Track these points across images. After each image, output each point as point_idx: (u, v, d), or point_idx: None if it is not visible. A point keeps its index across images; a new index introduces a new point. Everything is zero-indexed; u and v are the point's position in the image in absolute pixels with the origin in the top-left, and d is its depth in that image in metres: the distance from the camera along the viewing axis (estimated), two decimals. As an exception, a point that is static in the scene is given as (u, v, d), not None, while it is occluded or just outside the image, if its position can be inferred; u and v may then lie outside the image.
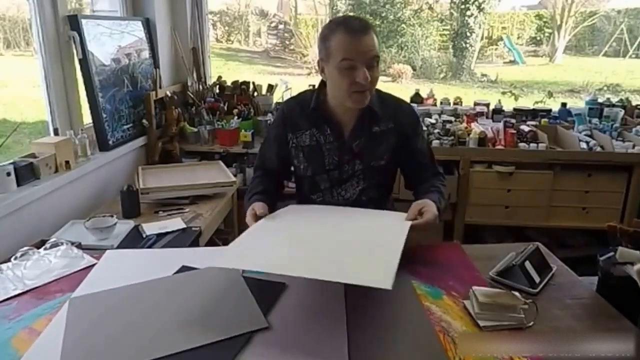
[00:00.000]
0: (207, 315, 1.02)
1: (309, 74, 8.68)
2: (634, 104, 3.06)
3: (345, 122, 1.40)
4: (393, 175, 1.54)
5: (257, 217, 1.25)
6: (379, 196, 1.51)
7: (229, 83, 3.12)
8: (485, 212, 2.63)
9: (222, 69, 7.90)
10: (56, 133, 2.07)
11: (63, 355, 0.90)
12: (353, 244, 1.12)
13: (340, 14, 8.67)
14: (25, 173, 1.75)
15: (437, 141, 2.59)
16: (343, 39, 1.24)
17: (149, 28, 2.71)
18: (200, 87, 3.04)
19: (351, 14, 8.69)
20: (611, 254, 1.12)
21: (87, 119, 2.25)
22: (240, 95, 3.05)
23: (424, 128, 2.70)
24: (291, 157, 1.47)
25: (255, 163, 1.59)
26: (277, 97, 3.17)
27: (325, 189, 1.46)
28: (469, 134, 2.62)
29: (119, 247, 1.60)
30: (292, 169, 1.53)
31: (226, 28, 11.48)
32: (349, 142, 1.40)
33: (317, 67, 1.38)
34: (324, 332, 0.97)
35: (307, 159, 1.44)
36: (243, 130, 2.76)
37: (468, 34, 8.71)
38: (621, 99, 3.19)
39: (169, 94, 2.74)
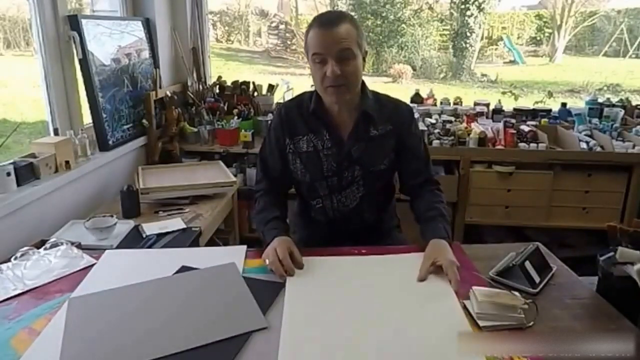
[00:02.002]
0: (207, 315, 1.02)
1: (311, 74, 8.67)
2: (634, 104, 3.06)
3: (343, 124, 1.38)
4: (393, 180, 1.54)
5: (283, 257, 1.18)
6: (381, 202, 1.50)
7: (229, 83, 3.12)
8: (485, 212, 2.63)
9: (222, 69, 7.90)
10: (56, 133, 2.07)
11: (62, 356, 0.90)
12: (411, 330, 0.98)
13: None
14: (25, 173, 1.75)
15: (437, 141, 2.59)
16: (313, 33, 1.26)
17: (149, 28, 2.71)
18: (200, 87, 3.04)
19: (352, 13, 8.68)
20: (611, 254, 1.11)
21: (87, 119, 2.25)
22: (240, 95, 3.05)
23: (424, 128, 2.70)
24: (289, 162, 1.44)
25: (257, 173, 1.52)
26: (278, 97, 3.17)
27: (324, 195, 1.44)
28: (469, 134, 2.61)
29: (118, 247, 1.60)
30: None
31: (226, 28, 11.49)
32: (348, 147, 1.38)
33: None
34: (323, 332, 0.97)
35: (305, 165, 1.41)
36: (243, 130, 2.76)
37: (468, 34, 8.72)
38: (621, 99, 3.19)
39: (169, 94, 2.73)
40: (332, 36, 1.23)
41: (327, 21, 1.25)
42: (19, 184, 1.71)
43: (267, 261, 1.19)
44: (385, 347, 0.92)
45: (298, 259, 1.21)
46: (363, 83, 1.37)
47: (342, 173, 1.40)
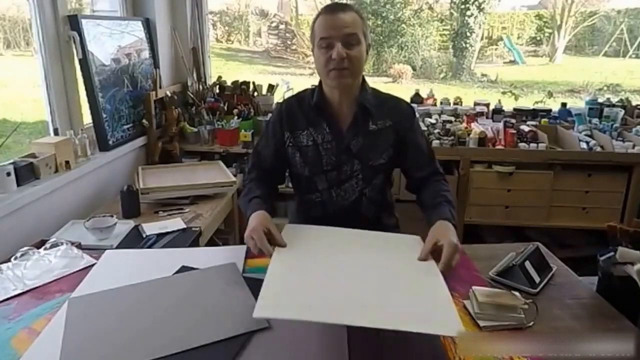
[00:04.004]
0: (207, 315, 1.02)
1: (311, 74, 8.68)
2: (634, 104, 3.06)
3: (343, 118, 1.40)
4: (391, 177, 1.54)
5: (266, 234, 1.16)
6: (379, 198, 1.50)
7: (229, 83, 3.12)
8: (485, 212, 2.63)
9: (222, 69, 7.90)
10: (56, 133, 2.07)
11: (62, 356, 0.90)
12: (392, 285, 1.02)
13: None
14: (25, 173, 1.75)
15: (437, 141, 2.59)
16: (321, 19, 1.31)
17: (149, 28, 2.71)
18: (200, 87, 3.04)
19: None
20: (611, 254, 1.11)
21: (87, 119, 2.25)
22: (240, 95, 3.05)
23: (424, 128, 2.70)
24: (288, 157, 1.45)
25: (250, 162, 1.54)
26: (278, 97, 3.17)
27: (323, 190, 1.45)
28: (469, 134, 2.62)
29: (118, 247, 1.60)
30: (289, 169, 1.50)
31: (226, 28, 11.48)
32: (347, 141, 1.39)
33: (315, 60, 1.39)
34: (324, 332, 0.97)
35: (304, 159, 1.42)
36: (243, 130, 2.76)
37: (468, 34, 8.71)
38: (621, 99, 3.19)
39: (169, 94, 2.74)
40: (339, 21, 1.28)
41: (334, 8, 1.30)
42: (19, 184, 1.71)
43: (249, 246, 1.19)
44: (361, 302, 0.95)
45: (278, 239, 1.17)
46: (363, 79, 1.39)
47: (341, 167, 1.41)
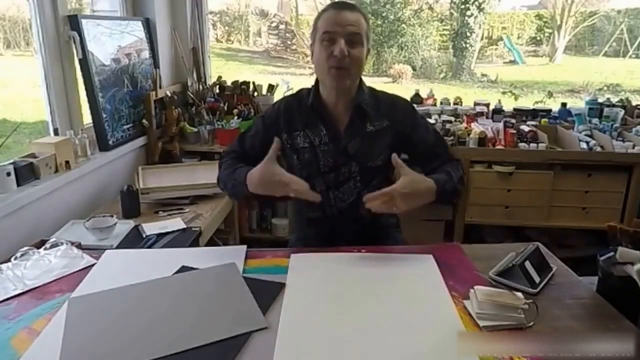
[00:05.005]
0: (207, 315, 1.02)
1: (311, 74, 8.65)
2: (634, 104, 3.05)
3: (340, 119, 1.39)
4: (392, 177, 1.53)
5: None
6: None
7: (229, 83, 3.12)
8: (485, 212, 2.63)
9: (222, 69, 7.89)
10: (56, 133, 2.07)
11: (62, 356, 0.90)
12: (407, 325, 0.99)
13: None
14: (25, 173, 1.75)
15: (437, 141, 2.59)
16: (327, 14, 1.30)
17: (149, 28, 2.71)
18: (200, 87, 3.04)
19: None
20: (611, 254, 1.11)
21: (87, 119, 2.25)
22: (240, 95, 3.05)
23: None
24: (286, 158, 1.45)
25: (231, 146, 1.49)
26: (278, 97, 3.16)
27: (321, 192, 1.43)
28: (469, 134, 2.61)
29: (118, 247, 1.60)
30: (286, 171, 1.49)
31: (226, 28, 11.48)
32: (344, 143, 1.38)
33: (311, 57, 1.38)
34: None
35: (301, 161, 1.42)
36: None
37: (468, 34, 8.70)
38: (621, 99, 3.19)
39: (169, 94, 2.73)
40: (345, 18, 1.27)
41: (342, 5, 1.30)
42: (19, 184, 1.71)
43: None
44: (381, 349, 0.92)
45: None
46: (360, 79, 1.38)
47: (339, 169, 1.41)
